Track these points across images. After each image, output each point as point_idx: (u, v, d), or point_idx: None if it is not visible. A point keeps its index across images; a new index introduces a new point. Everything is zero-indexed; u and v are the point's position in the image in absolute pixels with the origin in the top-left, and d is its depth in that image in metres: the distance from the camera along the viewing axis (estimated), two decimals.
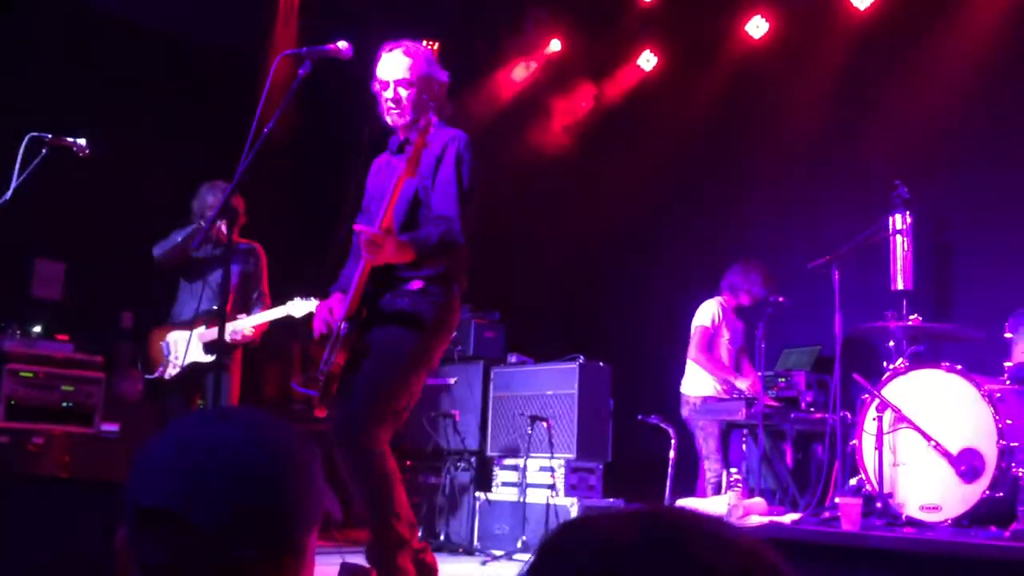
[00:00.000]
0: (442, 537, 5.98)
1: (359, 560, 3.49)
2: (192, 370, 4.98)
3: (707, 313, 5.99)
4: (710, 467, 5.63)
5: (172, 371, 5.03)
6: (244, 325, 4.95)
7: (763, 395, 5.68)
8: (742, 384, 5.66)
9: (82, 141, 4.42)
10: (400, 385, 3.45)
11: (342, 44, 3.50)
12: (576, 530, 0.75)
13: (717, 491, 5.36)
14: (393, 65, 3.63)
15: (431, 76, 3.66)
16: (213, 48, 7.33)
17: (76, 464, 5.58)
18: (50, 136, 4.38)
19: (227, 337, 4.83)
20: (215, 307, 4.98)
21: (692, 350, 5.93)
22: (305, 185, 7.39)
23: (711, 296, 6.12)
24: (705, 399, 5.84)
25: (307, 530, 1.17)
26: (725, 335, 5.95)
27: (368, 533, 3.47)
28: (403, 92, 3.61)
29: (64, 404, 5.50)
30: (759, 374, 5.76)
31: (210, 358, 4.91)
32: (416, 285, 3.51)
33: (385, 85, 3.63)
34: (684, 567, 0.70)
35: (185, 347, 4.92)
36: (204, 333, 4.95)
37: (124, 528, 1.16)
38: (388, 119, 3.66)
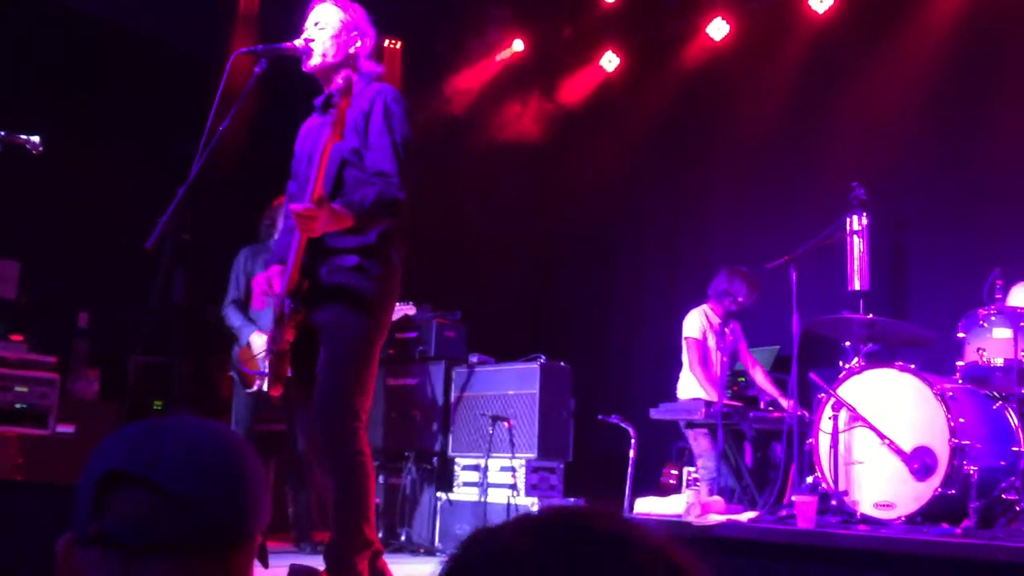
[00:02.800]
0: (403, 538, 5.96)
1: (308, 562, 3.47)
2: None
3: (694, 323, 6.02)
4: (704, 465, 5.67)
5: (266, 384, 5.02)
6: None
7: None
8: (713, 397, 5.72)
9: (36, 139, 4.35)
10: (362, 367, 3.40)
11: (299, 42, 3.48)
12: (479, 543, 0.76)
13: (712, 489, 5.40)
14: (317, 11, 3.58)
15: (353, 26, 3.57)
16: (171, 46, 7.24)
17: (30, 466, 5.49)
18: (3, 133, 4.31)
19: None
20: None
21: (690, 362, 5.98)
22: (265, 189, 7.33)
23: (698, 302, 6.15)
24: (692, 400, 5.91)
25: (258, 524, 1.18)
26: (713, 343, 5.98)
27: (331, 532, 3.43)
28: (318, 33, 3.53)
29: (17, 405, 5.41)
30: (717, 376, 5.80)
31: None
32: (350, 261, 3.39)
33: (305, 28, 3.57)
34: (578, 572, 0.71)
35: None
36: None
37: (68, 535, 1.15)
38: (304, 65, 3.55)
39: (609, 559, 0.72)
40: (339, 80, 3.46)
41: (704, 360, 5.96)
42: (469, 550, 0.77)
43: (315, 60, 3.52)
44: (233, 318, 5.49)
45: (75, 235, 6.62)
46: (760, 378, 6.01)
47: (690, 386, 5.99)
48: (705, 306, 6.10)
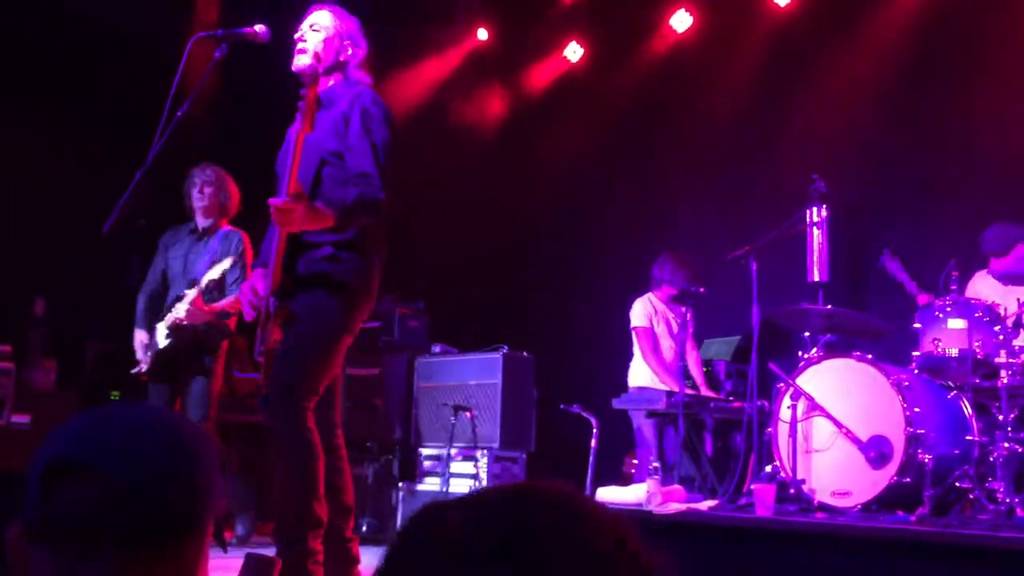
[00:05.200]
0: (364, 528, 5.94)
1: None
2: (161, 360, 4.78)
3: (640, 312, 6.00)
4: (645, 454, 5.69)
5: (145, 364, 4.85)
6: (182, 307, 4.70)
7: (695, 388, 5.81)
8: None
9: None
10: (325, 354, 3.44)
11: (259, 27, 3.47)
12: (429, 518, 0.75)
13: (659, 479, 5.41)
14: (315, 14, 3.64)
15: (348, 35, 3.63)
16: (130, 30, 7.11)
17: None
18: None
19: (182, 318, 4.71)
20: (183, 292, 4.80)
21: (642, 352, 5.95)
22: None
23: (642, 291, 6.14)
24: (641, 389, 5.90)
25: (209, 512, 1.17)
26: (662, 330, 5.98)
27: (282, 512, 3.43)
28: (312, 35, 3.58)
29: None
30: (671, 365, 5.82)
31: (166, 342, 4.74)
32: (326, 251, 3.44)
33: (300, 30, 3.62)
34: (542, 550, 0.69)
35: (160, 335, 4.78)
36: (168, 318, 4.77)
37: (17, 523, 1.14)
38: (293, 64, 3.59)
39: (556, 527, 0.70)
40: (312, 74, 3.48)
41: (655, 348, 5.95)
42: (416, 525, 0.76)
43: (305, 60, 3.56)
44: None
45: (29, 221, 6.50)
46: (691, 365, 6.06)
47: (640, 375, 5.95)
48: (649, 294, 6.08)
